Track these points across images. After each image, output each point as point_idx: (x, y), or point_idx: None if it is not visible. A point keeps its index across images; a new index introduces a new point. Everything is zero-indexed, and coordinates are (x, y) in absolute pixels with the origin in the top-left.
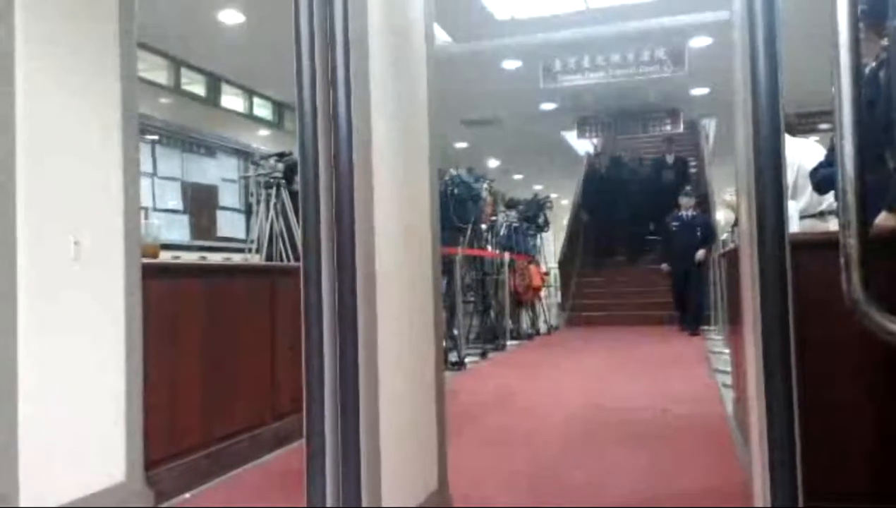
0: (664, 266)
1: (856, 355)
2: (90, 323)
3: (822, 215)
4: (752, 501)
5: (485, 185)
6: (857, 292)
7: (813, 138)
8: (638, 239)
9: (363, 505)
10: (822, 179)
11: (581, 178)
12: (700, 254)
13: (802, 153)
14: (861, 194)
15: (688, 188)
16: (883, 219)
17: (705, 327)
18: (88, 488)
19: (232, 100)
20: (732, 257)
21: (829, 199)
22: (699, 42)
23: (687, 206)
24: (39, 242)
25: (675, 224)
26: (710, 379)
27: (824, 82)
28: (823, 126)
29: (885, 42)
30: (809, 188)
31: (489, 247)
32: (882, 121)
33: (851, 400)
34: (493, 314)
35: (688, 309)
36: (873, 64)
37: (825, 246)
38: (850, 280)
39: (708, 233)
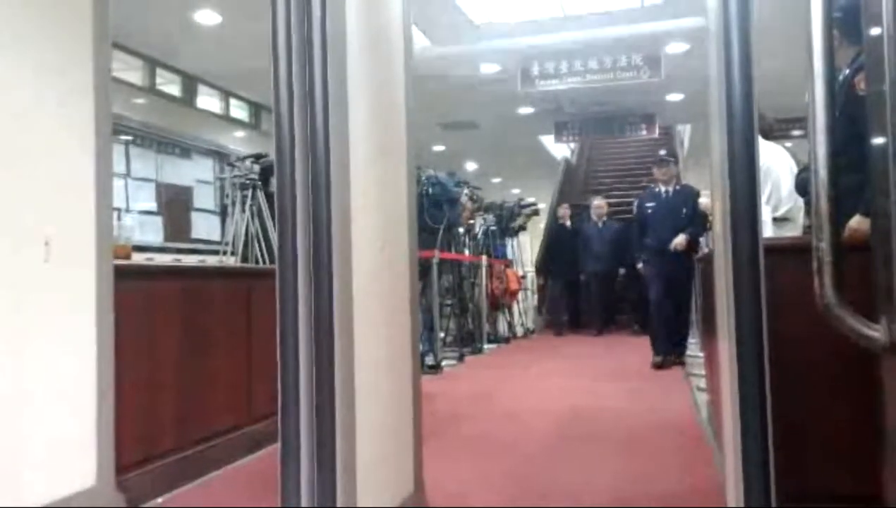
0: (640, 265)
1: (828, 358)
2: (61, 326)
3: (776, 221)
4: (726, 502)
5: (465, 191)
6: (829, 296)
7: (786, 144)
8: (610, 307)
9: (338, 507)
10: (801, 183)
11: (548, 217)
12: (680, 240)
13: (771, 156)
14: (833, 199)
15: (662, 152)
16: (856, 222)
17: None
18: (58, 492)
19: (208, 100)
20: (707, 261)
21: (787, 205)
22: (675, 48)
23: (667, 178)
24: (9, 243)
25: (649, 204)
26: (685, 381)
27: (798, 88)
28: (796, 132)
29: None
30: (767, 191)
31: (466, 251)
32: (857, 126)
33: (824, 402)
34: (470, 317)
35: (671, 331)
36: (847, 71)
37: (798, 250)
38: (822, 284)
39: (696, 216)
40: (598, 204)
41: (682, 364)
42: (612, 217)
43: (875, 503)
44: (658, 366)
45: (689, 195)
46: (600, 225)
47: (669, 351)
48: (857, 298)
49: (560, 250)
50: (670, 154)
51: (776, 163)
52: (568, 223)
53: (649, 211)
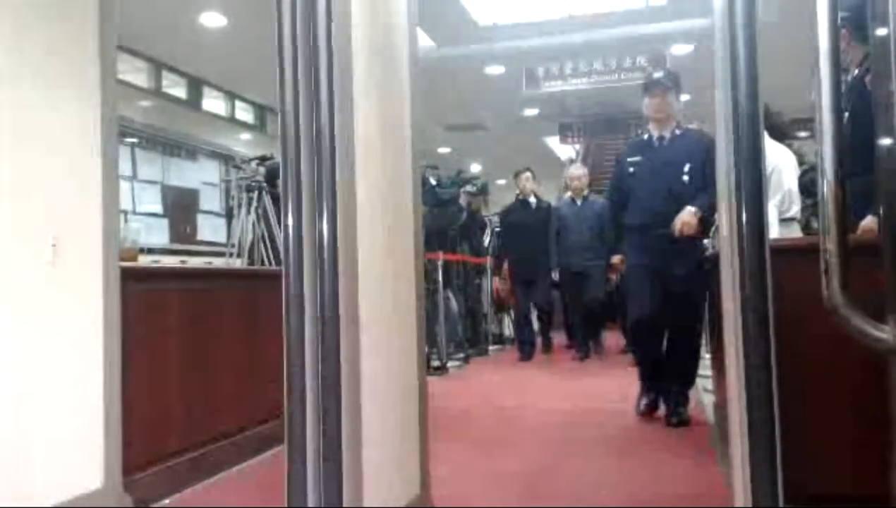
0: (615, 258)
1: (836, 359)
2: (67, 328)
3: (786, 222)
4: (733, 503)
5: (467, 188)
6: (837, 297)
7: (794, 145)
8: (594, 319)
9: (344, 507)
10: (807, 184)
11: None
12: (686, 217)
13: (778, 156)
14: (841, 200)
15: (656, 75)
16: (869, 222)
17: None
18: (65, 494)
19: (213, 103)
20: (713, 262)
21: (798, 206)
22: (680, 49)
23: (661, 115)
24: (16, 245)
25: (633, 159)
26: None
27: (804, 89)
28: (802, 133)
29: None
30: (780, 193)
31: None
32: (869, 126)
33: (832, 403)
34: (474, 319)
35: (669, 368)
36: (856, 71)
37: (805, 251)
38: (829, 285)
39: (710, 175)
40: (576, 173)
41: (685, 421)
42: (595, 190)
43: (883, 504)
44: (646, 411)
45: (698, 144)
46: (579, 202)
47: (677, 401)
48: (867, 298)
49: (519, 235)
50: (668, 76)
51: (785, 164)
52: (532, 199)
53: (632, 170)
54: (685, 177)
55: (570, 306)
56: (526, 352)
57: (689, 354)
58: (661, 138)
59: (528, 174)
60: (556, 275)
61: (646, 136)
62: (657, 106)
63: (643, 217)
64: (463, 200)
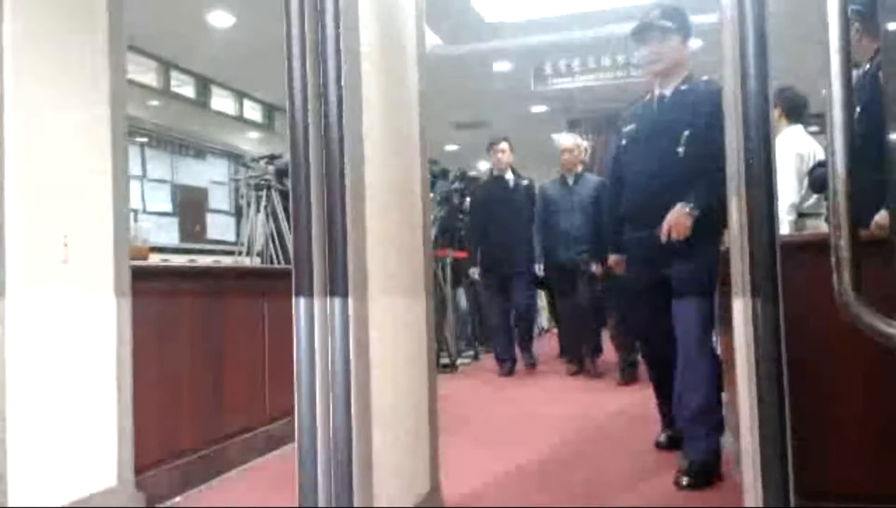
0: (595, 268)
1: (847, 355)
2: (79, 326)
3: (814, 216)
4: (744, 501)
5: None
6: (848, 293)
7: None
8: (589, 326)
9: (354, 506)
10: (817, 179)
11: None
12: (677, 217)
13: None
14: (852, 195)
15: (651, 17)
16: (882, 218)
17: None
18: (79, 492)
19: (222, 102)
20: (723, 259)
21: None
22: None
23: (656, 64)
24: (28, 244)
25: (628, 130)
26: None
27: (813, 84)
28: (812, 128)
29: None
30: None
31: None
32: (880, 121)
33: (843, 400)
34: (483, 316)
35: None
36: (867, 66)
37: (817, 247)
38: (840, 281)
39: (712, 151)
40: (566, 144)
41: (700, 480)
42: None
43: (894, 501)
44: (685, 485)
45: (704, 101)
46: (570, 181)
47: (707, 453)
48: (880, 294)
49: (492, 219)
50: (668, 14)
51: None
52: (509, 175)
53: (624, 142)
54: (680, 149)
55: (558, 309)
56: (506, 368)
57: (703, 381)
58: (661, 98)
59: (505, 145)
60: (539, 270)
61: (647, 98)
62: (653, 55)
63: (630, 208)
64: (456, 199)
